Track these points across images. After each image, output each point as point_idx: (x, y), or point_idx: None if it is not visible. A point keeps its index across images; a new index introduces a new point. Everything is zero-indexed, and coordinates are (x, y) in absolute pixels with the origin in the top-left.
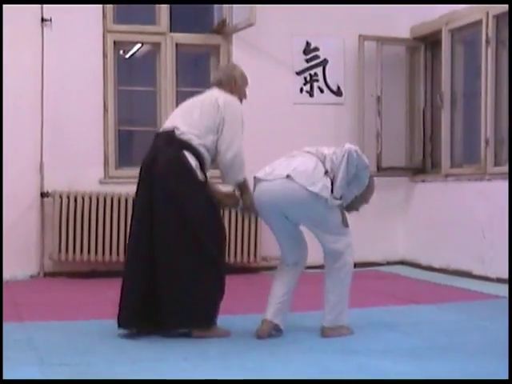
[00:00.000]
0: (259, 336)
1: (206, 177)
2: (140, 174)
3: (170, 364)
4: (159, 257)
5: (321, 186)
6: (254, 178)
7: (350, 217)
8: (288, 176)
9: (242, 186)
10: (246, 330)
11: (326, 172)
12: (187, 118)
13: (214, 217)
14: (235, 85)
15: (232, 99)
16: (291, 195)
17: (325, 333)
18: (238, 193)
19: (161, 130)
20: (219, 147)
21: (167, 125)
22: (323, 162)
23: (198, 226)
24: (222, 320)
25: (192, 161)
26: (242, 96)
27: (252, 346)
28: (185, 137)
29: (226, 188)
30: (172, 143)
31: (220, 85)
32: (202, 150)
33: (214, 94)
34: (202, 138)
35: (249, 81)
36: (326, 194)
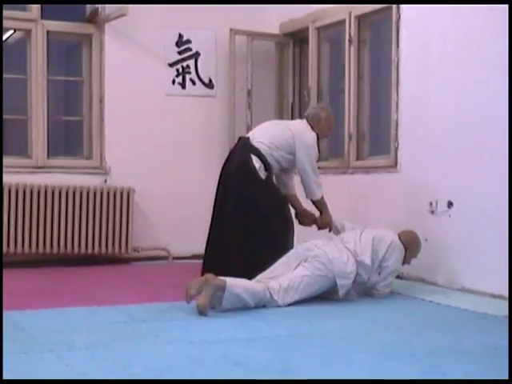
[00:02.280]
0: None
1: (269, 176)
2: (221, 171)
3: (34, 356)
4: (230, 240)
5: None
6: None
7: None
8: None
9: (319, 203)
10: (114, 321)
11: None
12: (265, 131)
13: (276, 207)
14: (318, 123)
15: (305, 131)
16: None
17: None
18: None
19: (245, 135)
20: (296, 168)
21: (249, 133)
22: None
23: (258, 214)
24: (91, 311)
25: (256, 163)
26: (322, 134)
27: (119, 338)
28: (256, 144)
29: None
30: (244, 148)
31: (307, 118)
32: (269, 159)
33: (296, 124)
34: (272, 149)
35: (334, 124)
36: None
